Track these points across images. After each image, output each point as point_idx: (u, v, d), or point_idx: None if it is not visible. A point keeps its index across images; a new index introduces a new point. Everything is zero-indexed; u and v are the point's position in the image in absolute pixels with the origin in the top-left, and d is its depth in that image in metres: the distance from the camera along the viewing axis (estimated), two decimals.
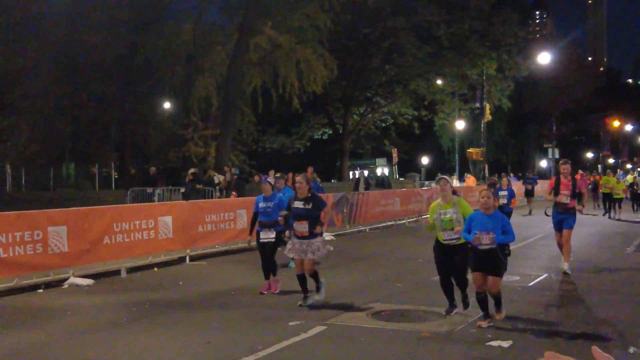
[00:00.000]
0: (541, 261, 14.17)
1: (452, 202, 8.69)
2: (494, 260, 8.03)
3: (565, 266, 12.27)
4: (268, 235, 10.79)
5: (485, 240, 7.96)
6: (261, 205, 10.93)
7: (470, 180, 37.38)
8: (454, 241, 8.59)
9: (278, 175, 14.04)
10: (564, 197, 12.38)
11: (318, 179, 24.73)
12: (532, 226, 22.82)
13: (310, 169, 25.32)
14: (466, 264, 8.54)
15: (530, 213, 27.89)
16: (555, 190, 12.57)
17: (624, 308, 9.46)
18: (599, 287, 11.14)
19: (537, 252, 15.85)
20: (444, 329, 8.13)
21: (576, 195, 12.56)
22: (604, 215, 27.11)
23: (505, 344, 7.42)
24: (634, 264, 13.94)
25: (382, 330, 8.12)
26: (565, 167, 12.64)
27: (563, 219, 12.45)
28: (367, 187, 28.19)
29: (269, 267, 10.85)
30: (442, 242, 8.72)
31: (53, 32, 33.43)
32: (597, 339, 7.68)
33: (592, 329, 8.14)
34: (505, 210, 16.80)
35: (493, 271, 8.08)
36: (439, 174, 9.82)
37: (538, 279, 11.80)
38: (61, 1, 32.65)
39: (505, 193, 17.83)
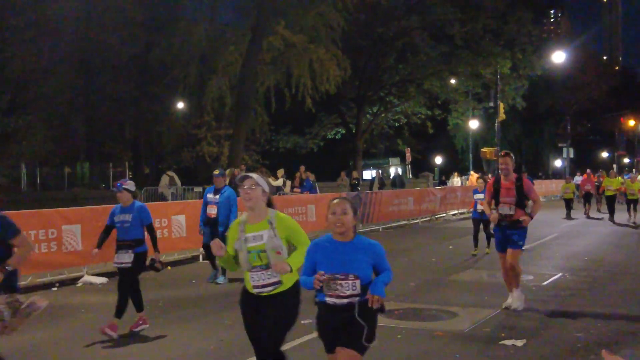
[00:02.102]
0: (555, 261, 14.10)
1: (266, 220, 5.10)
2: (352, 324, 4.61)
3: (513, 300, 9.16)
4: (123, 259, 8.12)
5: (344, 289, 4.56)
6: (117, 218, 8.27)
7: (474, 178, 36.42)
8: (269, 289, 5.05)
9: (217, 172, 11.81)
10: (506, 207, 8.94)
11: (311, 178, 24.50)
12: (546, 225, 22.70)
13: (302, 168, 25.28)
14: (285, 328, 5.24)
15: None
16: (495, 196, 9.15)
17: (638, 308, 9.39)
18: (613, 287, 11.07)
19: (551, 251, 15.77)
20: (457, 328, 8.10)
21: (523, 203, 9.00)
22: (609, 219, 24.54)
23: (520, 343, 7.39)
24: None
25: (395, 329, 8.09)
26: (504, 161, 8.89)
27: (508, 235, 9.06)
28: (382, 186, 28.16)
29: (122, 303, 8.04)
30: (251, 292, 5.12)
31: (68, 32, 33.66)
32: (610, 339, 7.62)
33: (606, 329, 8.08)
34: (484, 218, 14.52)
35: (348, 342, 4.63)
36: (243, 173, 5.00)
37: (552, 278, 11.74)
38: (76, 1, 32.82)
39: (482, 196, 14.10)
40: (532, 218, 9.02)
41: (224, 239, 10.72)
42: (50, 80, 33.92)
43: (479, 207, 15.01)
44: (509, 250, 9.04)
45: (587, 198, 27.41)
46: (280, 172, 24.89)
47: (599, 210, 28.01)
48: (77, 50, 34.84)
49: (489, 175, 33.95)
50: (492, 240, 14.04)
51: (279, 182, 23.79)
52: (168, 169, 29.78)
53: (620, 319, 8.58)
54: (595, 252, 15.62)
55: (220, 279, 11.56)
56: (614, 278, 11.98)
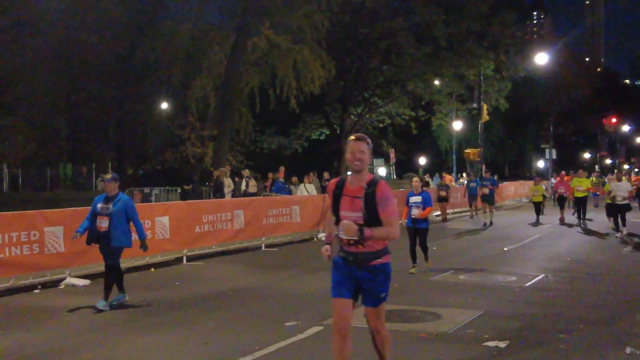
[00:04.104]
0: (538, 262, 14.18)
1: None
2: None
3: None
4: None
5: None
6: None
7: (447, 180, 35.03)
8: None
9: (108, 176, 9.97)
10: (343, 229, 5.27)
11: (281, 179, 24.30)
12: (527, 227, 22.82)
13: (281, 169, 25.16)
14: None
15: (490, 224, 23.27)
16: (334, 208, 5.52)
17: (621, 308, 9.46)
18: (596, 288, 11.14)
19: (534, 252, 15.86)
20: (441, 330, 8.12)
21: (378, 222, 5.29)
22: (579, 224, 22.76)
23: (502, 344, 7.42)
24: (630, 265, 13.94)
25: None
26: (359, 148, 5.36)
27: (358, 279, 5.46)
28: None
29: None
30: None
31: (51, 32, 33.42)
32: (594, 339, 7.68)
33: (589, 329, 8.13)
34: (419, 227, 12.68)
35: None
36: None
37: (535, 279, 11.81)
38: (59, 2, 32.62)
39: (418, 199, 12.53)
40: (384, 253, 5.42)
41: (117, 255, 9.49)
42: (33, 80, 33.70)
43: (414, 213, 12.56)
44: (369, 310, 5.54)
45: (561, 202, 24.97)
46: (245, 172, 24.83)
47: (573, 214, 24.54)
48: (60, 51, 34.61)
49: (469, 175, 33.56)
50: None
51: (243, 184, 23.42)
52: (103, 172, 30.07)
53: (602, 320, 8.64)
54: (577, 253, 15.73)
55: (101, 304, 9.44)
56: (596, 279, 12.06)
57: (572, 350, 7.22)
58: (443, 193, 25.56)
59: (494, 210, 25.19)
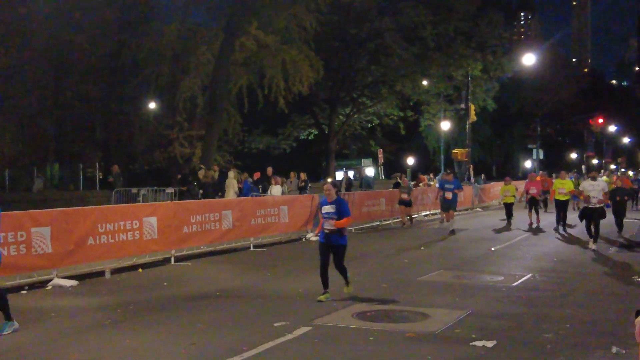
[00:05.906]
0: (525, 261, 14.26)
1: None
2: None
3: None
4: None
5: None
6: None
7: (421, 180, 33.57)
8: None
9: None
10: None
11: (250, 180, 23.93)
12: (514, 227, 22.79)
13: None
14: None
15: (452, 232, 20.14)
16: None
17: (607, 308, 9.52)
18: (582, 287, 11.22)
19: (521, 252, 15.94)
20: (428, 330, 8.15)
21: None
22: (556, 229, 20.87)
23: (490, 344, 7.46)
24: (616, 264, 14.04)
25: (367, 330, 8.13)
26: None
27: None
28: (349, 187, 28.09)
29: None
30: None
31: (38, 31, 33.25)
32: (580, 339, 7.73)
33: (575, 329, 8.18)
34: (334, 244, 9.91)
35: None
36: None
37: (522, 279, 11.87)
38: (46, 1, 32.46)
39: (331, 209, 9.79)
40: None
41: None
42: (19, 80, 33.49)
43: (327, 226, 9.84)
44: None
45: (531, 204, 22.54)
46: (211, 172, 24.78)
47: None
48: (47, 50, 34.43)
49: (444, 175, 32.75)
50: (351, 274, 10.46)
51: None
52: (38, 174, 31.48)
53: (589, 320, 8.70)
54: (564, 253, 15.82)
55: (6, 328, 8.18)
56: (582, 279, 12.14)
57: (558, 349, 7.27)
58: (405, 196, 23.60)
59: (455, 216, 21.54)
